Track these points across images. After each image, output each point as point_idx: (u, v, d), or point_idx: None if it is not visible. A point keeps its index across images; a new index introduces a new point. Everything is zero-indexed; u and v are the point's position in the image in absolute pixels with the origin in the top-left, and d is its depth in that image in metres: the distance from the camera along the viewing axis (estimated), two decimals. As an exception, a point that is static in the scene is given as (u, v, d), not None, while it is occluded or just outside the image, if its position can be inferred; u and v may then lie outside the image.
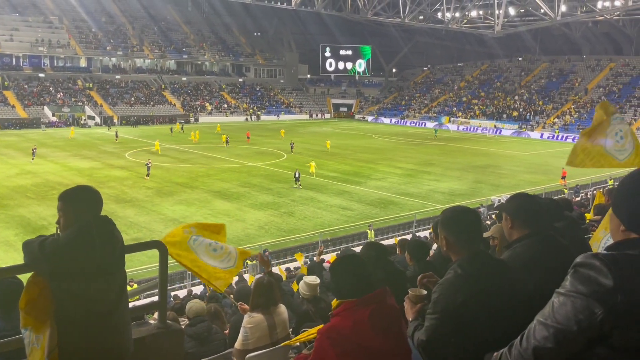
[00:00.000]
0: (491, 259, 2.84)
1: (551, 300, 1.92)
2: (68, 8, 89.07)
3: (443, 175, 40.39)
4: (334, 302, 2.77)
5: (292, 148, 48.78)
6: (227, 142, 51.31)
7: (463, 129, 78.39)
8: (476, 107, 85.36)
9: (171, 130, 64.47)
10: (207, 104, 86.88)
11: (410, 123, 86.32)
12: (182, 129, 66.52)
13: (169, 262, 3.39)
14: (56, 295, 2.65)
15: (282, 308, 4.78)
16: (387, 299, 2.66)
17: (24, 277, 2.94)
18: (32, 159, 41.61)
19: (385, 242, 16.50)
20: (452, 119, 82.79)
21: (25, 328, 2.68)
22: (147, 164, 36.84)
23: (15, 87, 74.13)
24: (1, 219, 26.09)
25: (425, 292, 2.98)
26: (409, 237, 20.66)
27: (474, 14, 76.50)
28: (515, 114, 79.23)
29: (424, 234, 22.35)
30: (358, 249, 11.44)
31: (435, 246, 7.28)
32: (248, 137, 57.51)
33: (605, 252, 1.91)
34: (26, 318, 2.67)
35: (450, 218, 2.88)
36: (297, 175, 35.04)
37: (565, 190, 32.73)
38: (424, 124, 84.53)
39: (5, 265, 3.22)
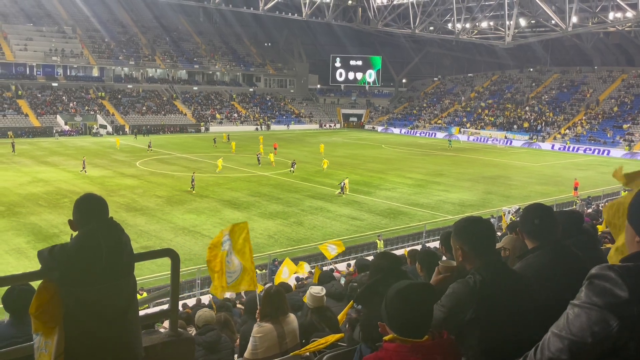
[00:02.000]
0: (506, 268, 2.85)
1: (566, 311, 1.90)
2: (82, 18, 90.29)
3: (453, 185, 40.24)
4: (390, 337, 2.42)
5: (293, 167, 43.98)
6: (292, 165, 44.29)
7: (473, 140, 78.14)
8: (487, 118, 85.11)
9: (214, 141, 61.80)
10: (217, 114, 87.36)
11: (420, 133, 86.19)
12: (228, 138, 64.07)
13: (180, 270, 3.40)
14: (65, 301, 2.66)
15: (292, 317, 4.78)
16: (444, 352, 2.41)
17: (36, 285, 2.97)
18: (83, 169, 40.97)
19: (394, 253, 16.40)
20: (462, 129, 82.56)
21: (37, 333, 2.69)
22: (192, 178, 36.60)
23: (29, 96, 75.04)
24: (13, 227, 26.31)
25: (455, 263, 3.03)
26: (418, 247, 20.57)
27: (484, 24, 76.55)
28: (526, 124, 78.88)
29: (434, 244, 22.22)
30: (370, 258, 11.40)
31: (444, 258, 7.25)
32: (275, 148, 54.27)
33: (621, 263, 1.89)
34: (36, 323, 2.69)
35: (464, 227, 2.90)
36: (343, 184, 35.59)
37: (578, 202, 32.45)
38: (434, 134, 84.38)
39: (17, 272, 3.25)
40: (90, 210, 2.85)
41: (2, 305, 4.00)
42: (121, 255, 2.79)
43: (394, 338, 2.37)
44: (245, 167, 46.01)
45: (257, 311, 4.78)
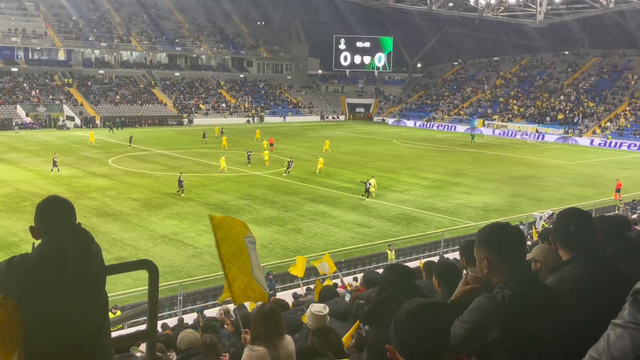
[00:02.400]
0: (539, 282, 2.85)
1: (606, 332, 1.90)
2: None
3: (475, 187, 40.21)
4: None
5: (289, 167, 43.03)
6: (288, 166, 43.29)
7: (499, 134, 78.17)
8: (515, 109, 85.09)
9: (204, 136, 61.55)
10: (202, 104, 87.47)
11: (438, 126, 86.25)
12: (221, 132, 63.73)
13: (159, 285, 3.40)
14: (26, 320, 2.65)
15: (288, 340, 4.77)
16: None
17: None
18: (53, 169, 40.27)
19: (408, 265, 16.41)
20: (486, 122, 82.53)
21: (-7, 357, 2.69)
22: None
23: (-16, 83, 75.21)
24: (-34, 234, 26.35)
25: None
26: (435, 259, 20.55)
27: (512, 0, 76.56)
28: (560, 116, 78.85)
29: (453, 255, 22.22)
30: (380, 271, 11.35)
31: (465, 272, 7.25)
32: (272, 144, 54.86)
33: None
34: (-8, 346, 2.67)
35: (490, 234, 2.90)
36: (368, 185, 35.84)
37: (621, 206, 32.43)
38: (453, 127, 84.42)
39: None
40: (54, 215, 2.84)
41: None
42: (90, 268, 2.78)
43: None
44: (235, 165, 46.05)
45: (244, 333, 4.77)
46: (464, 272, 7.60)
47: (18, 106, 72.96)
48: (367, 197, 35.65)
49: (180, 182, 34.95)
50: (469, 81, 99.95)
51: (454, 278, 5.00)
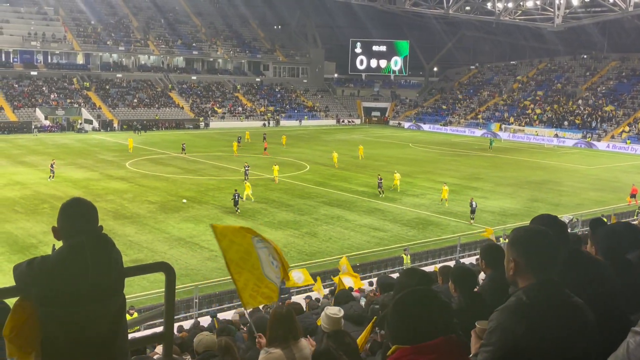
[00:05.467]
0: (564, 291, 2.81)
1: (626, 340, 1.88)
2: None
3: (492, 191, 40.00)
4: (392, 349, 2.65)
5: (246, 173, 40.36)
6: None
7: (516, 138, 77.67)
8: (532, 113, 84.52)
9: (239, 140, 59.51)
10: (218, 107, 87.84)
11: (454, 130, 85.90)
12: (264, 138, 62.03)
13: (175, 288, 3.42)
14: (44, 322, 2.67)
15: (304, 342, 4.78)
16: (453, 350, 2.57)
17: (12, 303, 3.00)
18: (51, 176, 39.28)
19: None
20: (503, 126, 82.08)
21: (11, 358, 2.71)
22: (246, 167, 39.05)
23: (4, 87, 76.18)
24: (-15, 236, 26.68)
25: None
26: (451, 263, 20.45)
27: (530, 4, 76.10)
28: (578, 120, 78.18)
29: (470, 260, 22.11)
30: (395, 275, 11.31)
31: (483, 275, 7.22)
32: (265, 149, 55.80)
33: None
34: (11, 347, 2.69)
35: (524, 237, 2.88)
36: (380, 181, 37.02)
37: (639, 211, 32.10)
38: (470, 131, 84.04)
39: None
40: (77, 218, 2.87)
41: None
42: (110, 274, 2.80)
43: (395, 348, 2.50)
44: (250, 169, 46.11)
45: (258, 336, 4.78)
46: (480, 277, 7.58)
47: (37, 109, 73.79)
48: (381, 194, 36.67)
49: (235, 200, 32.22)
50: (486, 85, 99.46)
51: (470, 283, 4.98)
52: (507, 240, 3.03)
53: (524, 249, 2.84)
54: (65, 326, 2.68)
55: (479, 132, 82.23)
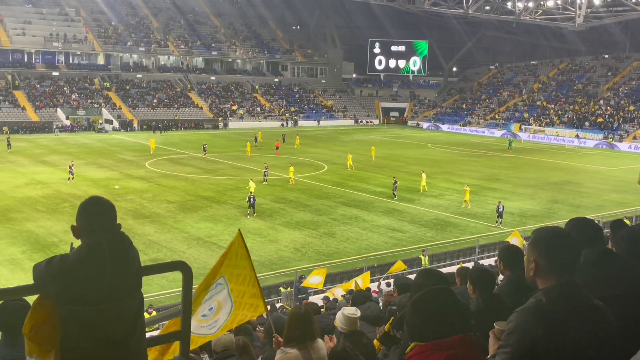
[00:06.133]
0: (584, 293, 2.79)
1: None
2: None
3: (512, 192, 39.69)
4: (411, 346, 2.70)
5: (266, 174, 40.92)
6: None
7: (537, 139, 76.99)
8: (553, 113, 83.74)
9: (255, 140, 60.51)
10: (237, 107, 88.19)
11: (474, 131, 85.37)
12: (283, 139, 63.28)
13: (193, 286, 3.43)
14: (63, 320, 2.70)
15: (320, 343, 4.77)
16: (470, 348, 2.61)
17: (32, 301, 3.04)
18: (71, 178, 39.22)
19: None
20: (523, 126, 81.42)
21: (31, 356, 2.74)
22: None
23: (27, 87, 77.21)
24: (7, 234, 27.05)
25: None
26: (470, 265, 20.33)
27: (550, 3, 75.39)
28: (600, 121, 77.28)
29: (489, 261, 21.94)
30: (412, 277, 11.27)
31: (501, 277, 7.17)
32: (277, 148, 56.37)
33: None
34: (30, 345, 2.72)
35: (545, 238, 2.86)
36: (395, 184, 36.86)
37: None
38: (490, 132, 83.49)
39: (11, 285, 3.33)
40: (96, 217, 2.90)
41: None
42: (127, 272, 2.83)
43: (413, 345, 2.59)
44: (270, 168, 46.23)
45: (275, 337, 4.77)
46: (499, 277, 7.51)
47: (59, 109, 74.68)
48: (395, 197, 36.54)
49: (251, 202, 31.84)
50: (506, 85, 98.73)
51: (489, 284, 4.94)
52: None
53: (545, 250, 2.82)
54: (83, 324, 2.71)
55: (498, 133, 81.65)
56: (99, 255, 2.74)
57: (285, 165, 45.52)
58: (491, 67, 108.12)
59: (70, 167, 40.00)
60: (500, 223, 30.88)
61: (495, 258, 21.80)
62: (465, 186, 35.77)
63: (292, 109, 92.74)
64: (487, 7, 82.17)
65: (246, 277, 4.53)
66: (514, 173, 48.19)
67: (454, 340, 2.53)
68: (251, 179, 36.54)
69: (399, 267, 20.10)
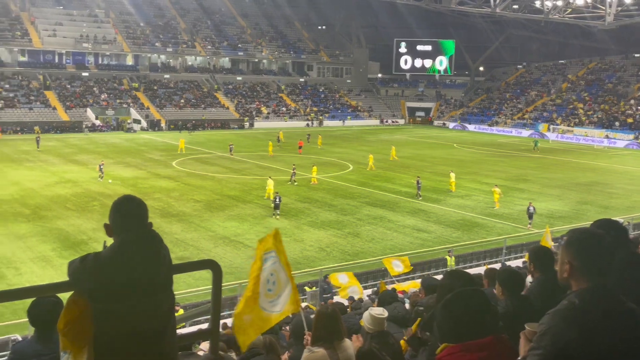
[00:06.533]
0: (618, 296, 2.74)
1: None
2: (113, 0, 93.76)
3: (540, 193, 39.20)
4: (441, 347, 2.70)
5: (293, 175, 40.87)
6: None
7: (565, 139, 75.94)
8: (582, 113, 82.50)
9: (278, 140, 61.33)
10: (263, 107, 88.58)
11: (501, 131, 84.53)
12: (308, 138, 63.49)
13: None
14: (96, 317, 2.74)
15: (348, 343, 4.77)
16: (502, 350, 2.59)
17: (64, 297, 3.09)
18: (101, 176, 39.82)
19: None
20: (551, 126, 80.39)
21: (64, 351, 2.78)
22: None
23: (57, 87, 78.51)
24: (38, 232, 27.53)
25: None
26: (497, 266, 20.11)
27: (580, 2, 74.20)
28: (630, 121, 75.92)
29: (516, 263, 21.69)
30: (439, 277, 11.19)
31: (530, 278, 7.09)
32: (300, 147, 56.51)
33: None
34: (64, 341, 2.76)
35: (581, 240, 2.83)
36: (419, 183, 36.70)
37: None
38: (517, 132, 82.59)
39: (42, 282, 3.39)
40: (130, 215, 2.94)
41: (27, 319, 4.19)
42: (158, 270, 2.86)
43: (443, 346, 2.61)
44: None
45: (307, 334, 4.79)
46: (528, 280, 7.43)
47: (88, 109, 75.81)
48: (419, 197, 36.36)
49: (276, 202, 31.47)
50: (534, 85, 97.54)
51: (518, 286, 4.89)
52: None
53: (580, 252, 2.79)
54: (116, 321, 2.74)
55: (526, 133, 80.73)
56: (132, 253, 2.78)
57: (308, 165, 45.54)
58: (519, 66, 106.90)
59: (100, 167, 40.52)
60: (531, 224, 30.50)
61: (523, 260, 21.57)
62: (495, 187, 35.43)
63: (314, 109, 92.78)
64: (515, 6, 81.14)
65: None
66: (542, 173, 47.58)
67: (486, 342, 2.52)
68: (270, 177, 36.67)
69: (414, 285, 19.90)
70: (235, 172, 44.87)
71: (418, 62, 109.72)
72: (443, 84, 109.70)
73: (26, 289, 2.82)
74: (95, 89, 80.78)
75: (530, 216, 30.56)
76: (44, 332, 4.03)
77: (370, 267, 23.91)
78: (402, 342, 5.58)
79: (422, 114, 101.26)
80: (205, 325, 13.78)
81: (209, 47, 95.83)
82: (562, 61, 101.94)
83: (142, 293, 2.78)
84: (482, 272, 8.02)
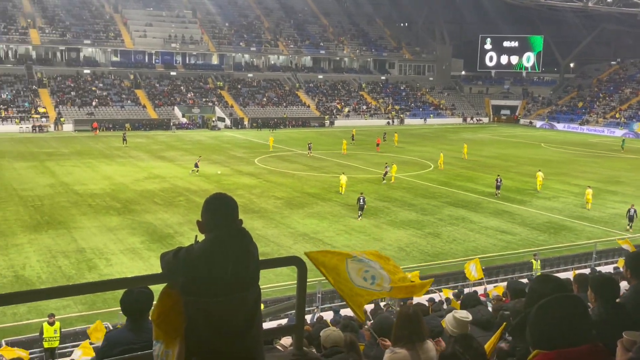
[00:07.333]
0: None
1: None
2: (200, 1, 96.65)
3: (634, 196, 37.21)
4: (533, 353, 2.62)
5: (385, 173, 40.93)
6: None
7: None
8: (682, 111, 77.79)
9: (384, 138, 61.18)
10: (344, 106, 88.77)
11: (592, 130, 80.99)
12: (383, 138, 62.60)
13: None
14: (187, 310, 2.83)
15: (430, 345, 4.71)
16: (599, 359, 2.49)
17: (155, 288, 3.22)
18: (195, 170, 41.95)
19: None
20: (647, 126, 76.33)
21: (157, 341, 2.90)
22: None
23: (147, 86, 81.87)
24: (128, 225, 28.83)
25: None
26: (586, 271, 19.28)
27: (681, -8, 69.95)
28: None
29: (606, 268, 20.72)
30: (524, 281, 10.84)
31: (624, 284, 6.77)
32: (378, 145, 56.73)
33: None
34: (157, 331, 2.88)
35: None
36: (499, 182, 36.35)
37: None
38: (610, 131, 78.82)
39: (131, 273, 3.53)
40: (220, 212, 3.02)
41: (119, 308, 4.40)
42: (247, 266, 2.93)
43: (536, 353, 2.53)
44: (373, 166, 46.23)
45: (380, 340, 4.75)
46: (623, 287, 7.09)
47: (175, 107, 78.60)
48: (498, 195, 36.14)
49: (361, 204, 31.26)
50: (629, 82, 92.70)
51: (612, 292, 4.67)
52: None
53: None
54: (205, 315, 2.83)
55: (619, 132, 76.92)
56: (222, 249, 2.86)
57: (384, 163, 45.32)
58: (612, 62, 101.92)
59: (196, 163, 42.68)
60: (631, 227, 29.07)
61: (614, 265, 20.57)
62: (588, 188, 34.05)
63: (396, 107, 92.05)
64: (609, 0, 77.50)
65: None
66: (636, 175, 45.22)
67: (582, 350, 2.43)
68: (343, 173, 36.77)
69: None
70: (315, 170, 45.25)
71: (504, 59, 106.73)
72: (530, 81, 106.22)
73: (123, 280, 2.95)
74: (182, 87, 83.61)
75: (631, 219, 29.24)
76: (136, 322, 4.21)
77: (451, 268, 23.52)
78: (485, 346, 5.46)
79: (507, 112, 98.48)
80: (284, 321, 13.99)
81: (292, 46, 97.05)
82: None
83: (231, 289, 2.85)
84: (571, 278, 7.72)
